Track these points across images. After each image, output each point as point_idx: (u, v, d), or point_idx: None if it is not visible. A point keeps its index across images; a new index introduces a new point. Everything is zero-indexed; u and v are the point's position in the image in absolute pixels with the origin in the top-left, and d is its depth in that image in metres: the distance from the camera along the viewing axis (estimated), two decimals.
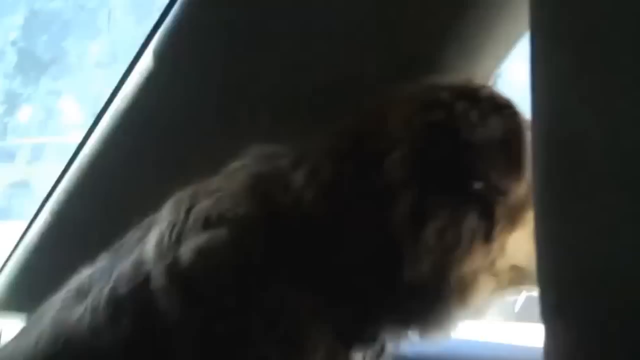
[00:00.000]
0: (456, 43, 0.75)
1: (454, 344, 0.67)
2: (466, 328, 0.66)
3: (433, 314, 0.61)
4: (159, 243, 0.63)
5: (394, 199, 0.59)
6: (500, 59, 0.78)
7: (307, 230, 0.61)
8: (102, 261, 0.69)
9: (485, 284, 0.62)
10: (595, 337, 0.29)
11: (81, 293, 0.66)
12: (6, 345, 0.73)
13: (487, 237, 0.60)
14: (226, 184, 0.65)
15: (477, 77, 0.72)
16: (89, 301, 0.64)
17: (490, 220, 0.60)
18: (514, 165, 0.59)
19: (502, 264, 0.62)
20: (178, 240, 0.62)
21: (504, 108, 0.62)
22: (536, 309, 0.32)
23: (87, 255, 0.74)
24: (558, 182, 0.31)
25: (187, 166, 0.80)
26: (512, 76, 0.82)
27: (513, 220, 0.61)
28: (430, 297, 0.60)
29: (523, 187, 0.60)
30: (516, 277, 0.63)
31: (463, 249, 0.59)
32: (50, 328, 0.65)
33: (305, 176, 0.62)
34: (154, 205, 0.72)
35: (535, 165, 0.34)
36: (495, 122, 0.60)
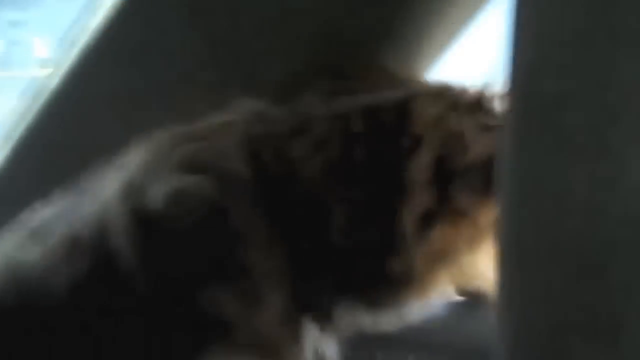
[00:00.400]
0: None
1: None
2: None
3: (395, 303, 0.62)
4: (129, 183, 0.61)
5: (409, 199, 0.59)
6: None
7: (295, 201, 0.59)
8: (61, 200, 0.68)
9: (444, 281, 0.64)
10: (546, 299, 0.29)
11: (37, 234, 0.64)
12: None
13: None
14: (213, 135, 0.63)
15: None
16: (46, 242, 0.62)
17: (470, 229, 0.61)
18: (489, 189, 0.59)
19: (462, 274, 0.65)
20: (151, 181, 0.60)
21: (496, 125, 0.62)
22: None
23: (45, 194, 0.73)
24: (528, 143, 0.31)
25: (159, 109, 0.78)
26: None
27: (477, 241, 0.62)
28: (398, 288, 0.61)
29: (491, 213, 0.60)
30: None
31: (452, 251, 0.61)
32: (1, 267, 0.63)
33: (308, 148, 0.60)
34: (118, 147, 0.70)
35: (507, 129, 0.33)
36: (487, 140, 0.60)
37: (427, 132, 0.59)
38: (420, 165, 0.59)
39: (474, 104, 0.63)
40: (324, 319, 0.62)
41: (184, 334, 0.58)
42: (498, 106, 0.64)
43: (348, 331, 0.65)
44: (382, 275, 0.60)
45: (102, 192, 0.63)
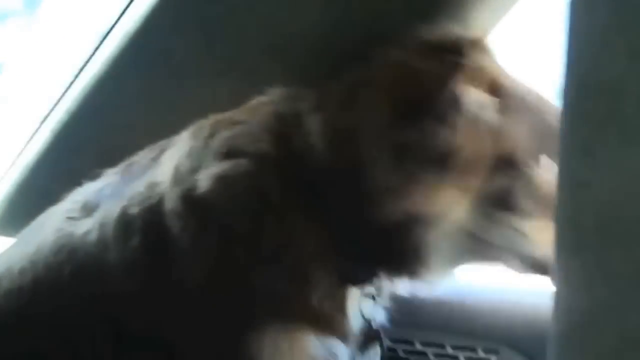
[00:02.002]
0: None
1: (460, 289, 0.68)
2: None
3: (423, 267, 0.63)
4: (177, 167, 0.63)
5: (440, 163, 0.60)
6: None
7: (317, 175, 0.61)
8: (111, 177, 0.69)
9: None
10: (607, 281, 0.30)
11: (88, 207, 0.67)
12: (4, 251, 0.74)
13: None
14: (248, 118, 0.65)
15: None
16: (98, 216, 0.64)
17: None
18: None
19: None
20: (197, 166, 0.62)
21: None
22: None
23: (86, 176, 0.74)
24: (588, 130, 0.32)
25: (193, 104, 0.79)
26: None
27: None
28: (421, 254, 0.62)
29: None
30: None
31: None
32: (54, 237, 0.65)
33: (319, 122, 0.62)
34: (161, 132, 0.71)
35: (564, 115, 0.34)
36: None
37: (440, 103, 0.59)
38: (445, 139, 0.59)
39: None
40: (366, 288, 0.65)
41: (237, 311, 0.59)
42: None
43: (388, 298, 0.66)
44: (406, 244, 0.61)
45: (153, 174, 0.65)
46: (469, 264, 0.66)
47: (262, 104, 0.67)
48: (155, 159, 0.67)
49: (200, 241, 0.60)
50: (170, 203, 0.61)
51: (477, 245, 0.62)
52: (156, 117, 0.81)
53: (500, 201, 0.60)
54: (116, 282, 0.61)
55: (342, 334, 0.63)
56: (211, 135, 0.65)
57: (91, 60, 0.88)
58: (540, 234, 0.61)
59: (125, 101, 0.88)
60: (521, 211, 0.61)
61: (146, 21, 0.80)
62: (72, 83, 0.90)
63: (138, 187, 0.65)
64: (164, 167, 0.65)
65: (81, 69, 0.88)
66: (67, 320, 0.62)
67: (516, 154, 0.60)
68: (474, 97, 0.59)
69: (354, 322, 0.64)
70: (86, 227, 0.64)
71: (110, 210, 0.64)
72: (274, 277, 0.60)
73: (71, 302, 0.62)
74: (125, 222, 0.62)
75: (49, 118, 0.92)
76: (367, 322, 0.65)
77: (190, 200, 0.61)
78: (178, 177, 0.63)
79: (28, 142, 0.96)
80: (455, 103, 0.58)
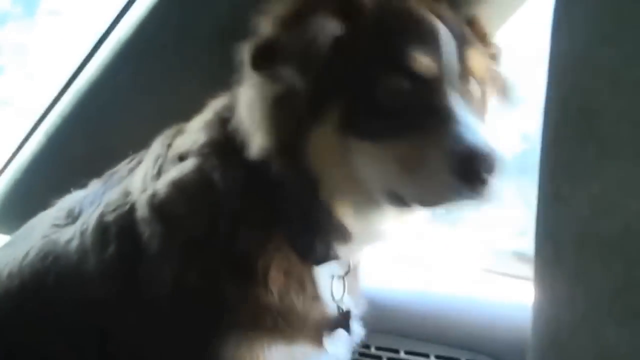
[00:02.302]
0: None
1: (445, 300, 0.69)
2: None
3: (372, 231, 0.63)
4: (145, 175, 0.66)
5: None
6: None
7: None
8: (94, 186, 0.71)
9: None
10: (586, 294, 0.30)
11: (72, 215, 0.68)
12: None
13: None
14: (198, 121, 0.67)
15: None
16: (79, 224, 0.66)
17: None
18: None
19: None
20: (159, 173, 0.65)
21: None
22: None
23: (78, 180, 0.75)
24: (567, 146, 0.32)
25: (185, 103, 0.80)
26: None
27: None
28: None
29: None
30: None
31: None
32: (40, 244, 0.67)
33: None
34: (150, 138, 0.72)
35: (544, 130, 0.35)
36: None
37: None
38: None
39: None
40: (331, 268, 0.64)
41: (202, 318, 0.59)
42: None
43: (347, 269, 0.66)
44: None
45: (126, 183, 0.67)
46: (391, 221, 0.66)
47: (211, 106, 0.68)
48: (132, 169, 0.69)
49: (166, 247, 0.61)
50: (140, 210, 0.63)
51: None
52: (148, 122, 0.81)
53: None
54: (95, 290, 0.62)
55: (311, 333, 0.63)
56: (170, 143, 0.68)
57: (85, 65, 0.89)
58: None
59: (118, 106, 0.89)
60: None
61: (138, 31, 0.81)
62: (66, 87, 0.91)
63: (114, 195, 0.66)
64: (136, 176, 0.67)
65: (75, 74, 0.89)
66: (52, 326, 0.63)
67: None
68: None
69: (325, 304, 0.64)
70: (69, 235, 0.66)
71: (89, 218, 0.66)
72: (234, 275, 0.60)
73: (55, 309, 0.63)
74: (101, 229, 0.64)
75: (44, 121, 0.93)
76: (337, 305, 0.65)
77: (154, 207, 0.62)
78: (144, 185, 0.65)
79: (24, 141, 0.96)
80: None
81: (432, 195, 0.55)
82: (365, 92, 0.56)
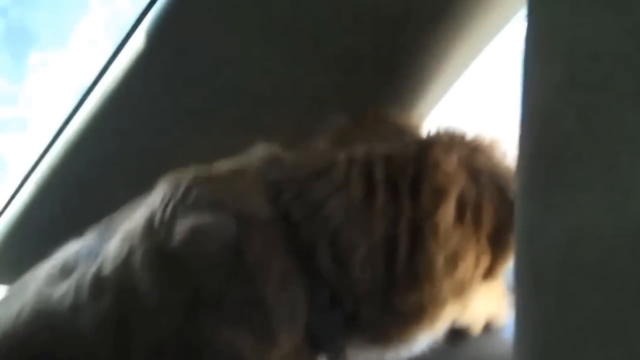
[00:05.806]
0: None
1: None
2: None
3: (404, 337, 0.64)
4: (149, 220, 0.63)
5: (437, 240, 0.61)
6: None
7: (316, 239, 0.61)
8: (90, 238, 0.69)
9: (451, 311, 0.65)
10: (566, 325, 0.31)
11: (66, 269, 0.66)
12: None
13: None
14: (229, 178, 0.65)
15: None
16: (73, 279, 0.64)
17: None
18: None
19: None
20: (171, 219, 0.62)
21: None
22: None
23: (73, 229, 0.75)
24: (542, 181, 0.33)
25: (176, 154, 0.81)
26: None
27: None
28: (409, 323, 0.63)
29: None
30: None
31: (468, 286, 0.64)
32: (33, 302, 0.65)
33: (329, 190, 0.62)
34: (142, 189, 0.72)
35: (520, 164, 0.36)
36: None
37: (448, 180, 0.62)
38: (446, 212, 0.61)
39: (489, 146, 0.66)
40: (336, 355, 0.63)
41: None
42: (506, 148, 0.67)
43: None
44: (394, 311, 0.62)
45: (125, 230, 0.65)
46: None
47: (246, 167, 0.66)
48: (131, 214, 0.67)
49: (169, 299, 0.59)
50: (141, 257, 0.60)
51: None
52: (142, 170, 0.81)
53: None
54: (89, 348, 0.60)
55: None
56: (190, 187, 0.64)
57: (75, 114, 0.90)
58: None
59: (110, 154, 0.90)
60: None
61: (125, 80, 0.82)
62: (57, 135, 0.92)
63: (111, 246, 0.64)
64: (137, 222, 0.64)
65: (65, 123, 0.90)
66: None
67: None
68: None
69: None
70: (62, 291, 0.64)
71: (85, 274, 0.64)
72: (239, 336, 0.59)
73: None
74: (98, 283, 0.62)
75: (35, 172, 0.93)
76: None
77: (162, 254, 0.60)
78: (150, 231, 0.62)
79: (14, 194, 0.96)
80: None
81: None
82: None
